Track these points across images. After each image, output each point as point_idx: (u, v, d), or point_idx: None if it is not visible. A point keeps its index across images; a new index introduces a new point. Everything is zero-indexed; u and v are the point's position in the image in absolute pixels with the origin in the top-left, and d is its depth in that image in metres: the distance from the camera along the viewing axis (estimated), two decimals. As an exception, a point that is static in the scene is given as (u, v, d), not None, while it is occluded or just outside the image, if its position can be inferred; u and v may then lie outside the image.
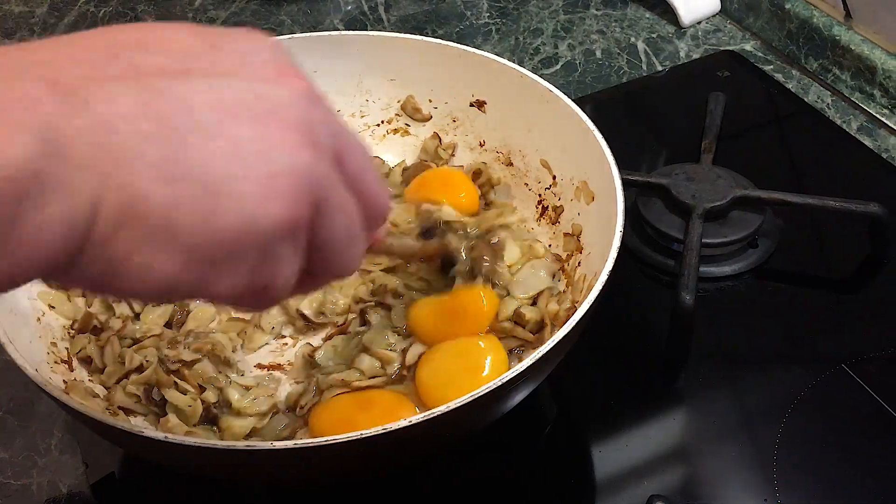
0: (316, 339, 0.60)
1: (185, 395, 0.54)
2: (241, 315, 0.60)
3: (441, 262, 0.55)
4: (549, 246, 0.63)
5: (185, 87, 0.29)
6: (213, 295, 0.31)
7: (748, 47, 0.92)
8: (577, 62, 0.91)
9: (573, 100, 0.60)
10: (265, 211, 0.29)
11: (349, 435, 0.40)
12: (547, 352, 0.44)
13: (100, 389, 0.55)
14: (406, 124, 0.71)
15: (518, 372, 0.43)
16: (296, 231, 0.31)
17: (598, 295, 0.47)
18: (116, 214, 0.27)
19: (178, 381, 0.54)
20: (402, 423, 0.41)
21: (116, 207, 0.27)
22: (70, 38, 0.29)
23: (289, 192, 0.30)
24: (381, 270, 0.61)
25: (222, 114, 0.29)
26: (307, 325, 0.60)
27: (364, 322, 0.59)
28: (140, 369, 0.55)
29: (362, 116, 0.71)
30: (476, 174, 0.67)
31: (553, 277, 0.60)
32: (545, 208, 0.64)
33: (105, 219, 0.27)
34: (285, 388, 0.57)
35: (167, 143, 0.28)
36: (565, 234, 0.61)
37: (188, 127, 0.28)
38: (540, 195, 0.65)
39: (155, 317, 0.59)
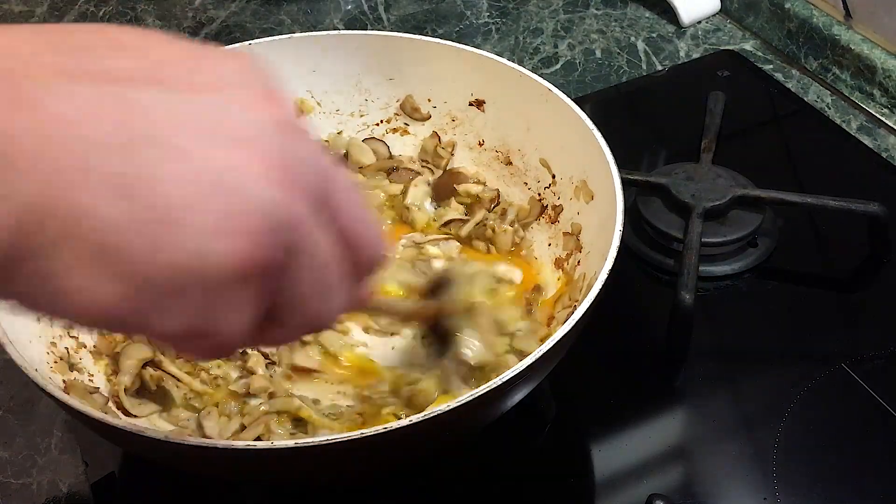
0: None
1: None
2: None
3: (433, 329, 0.51)
4: (549, 245, 0.63)
5: (152, 97, 0.26)
6: (152, 333, 0.28)
7: (748, 47, 0.92)
8: (577, 62, 0.91)
9: (573, 99, 0.60)
10: (217, 250, 0.26)
11: (349, 435, 0.40)
12: (547, 351, 0.44)
13: (100, 380, 0.55)
14: (405, 124, 0.71)
15: (518, 371, 0.43)
16: (251, 277, 0.27)
17: (598, 294, 0.47)
18: (59, 226, 0.24)
19: None
20: (402, 422, 0.41)
21: (60, 219, 0.24)
22: (43, 29, 0.27)
23: (248, 233, 0.26)
24: None
25: (188, 132, 0.26)
26: None
27: None
28: None
29: (361, 116, 0.71)
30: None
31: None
32: (544, 207, 0.64)
33: (48, 229, 0.24)
34: None
35: (121, 155, 0.25)
36: (564, 234, 0.61)
37: (147, 140, 0.25)
38: (539, 194, 0.65)
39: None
